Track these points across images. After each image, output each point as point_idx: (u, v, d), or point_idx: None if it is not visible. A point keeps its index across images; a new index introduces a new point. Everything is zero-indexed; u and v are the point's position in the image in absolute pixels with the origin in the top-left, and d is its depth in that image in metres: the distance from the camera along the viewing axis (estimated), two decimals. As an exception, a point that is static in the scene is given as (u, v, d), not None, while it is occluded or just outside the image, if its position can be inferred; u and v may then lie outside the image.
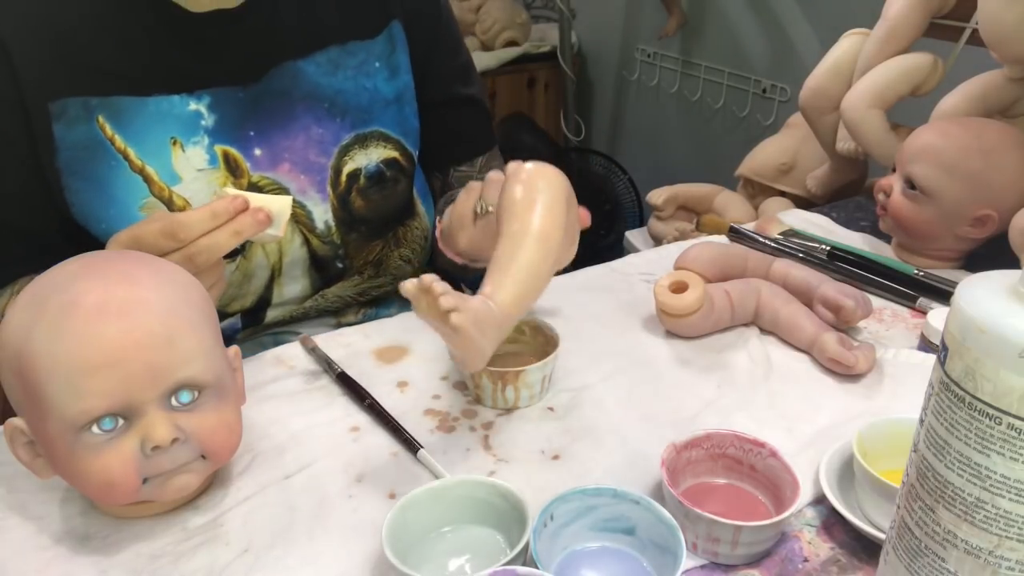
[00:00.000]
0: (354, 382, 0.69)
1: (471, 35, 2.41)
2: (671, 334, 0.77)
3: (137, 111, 0.69)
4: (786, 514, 0.51)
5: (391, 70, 0.79)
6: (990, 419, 0.35)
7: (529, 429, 0.65)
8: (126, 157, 0.69)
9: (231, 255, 0.72)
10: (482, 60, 2.32)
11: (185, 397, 0.51)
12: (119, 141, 0.69)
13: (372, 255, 0.83)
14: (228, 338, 0.79)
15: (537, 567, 0.47)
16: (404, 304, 0.85)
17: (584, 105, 2.56)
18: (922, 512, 0.40)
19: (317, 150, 0.76)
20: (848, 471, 0.57)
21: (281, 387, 0.70)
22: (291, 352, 0.74)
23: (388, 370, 0.72)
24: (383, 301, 0.89)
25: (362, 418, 0.66)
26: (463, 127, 0.89)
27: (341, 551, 0.53)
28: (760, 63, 1.91)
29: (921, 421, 0.40)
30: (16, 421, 0.52)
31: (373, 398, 0.67)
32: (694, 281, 0.74)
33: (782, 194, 1.44)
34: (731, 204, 1.55)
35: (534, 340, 0.71)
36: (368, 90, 0.78)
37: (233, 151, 0.73)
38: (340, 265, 0.81)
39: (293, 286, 0.80)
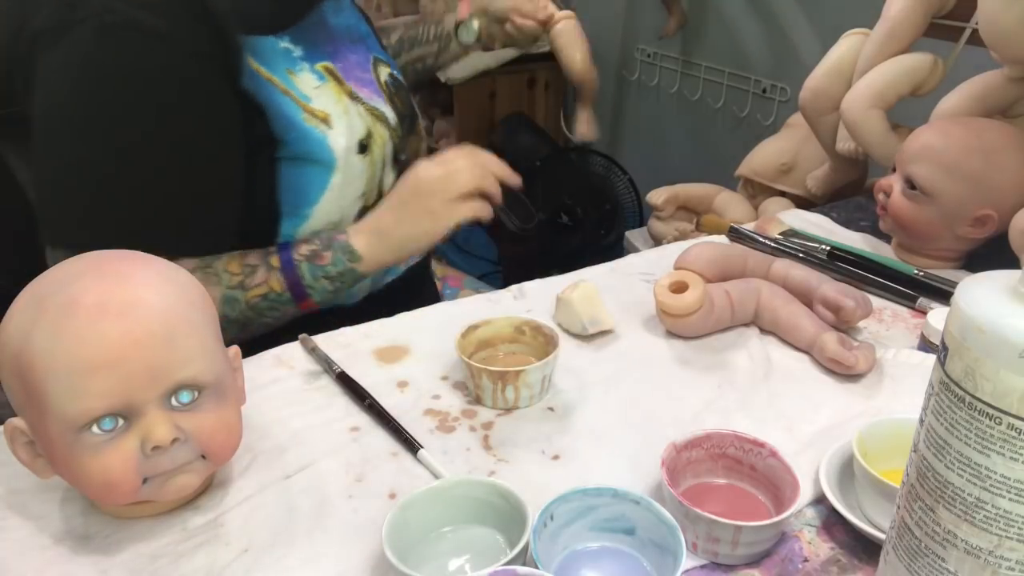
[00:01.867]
0: (354, 382, 0.69)
1: (471, 35, 2.40)
2: (671, 334, 0.77)
3: (261, 48, 0.77)
4: (786, 514, 0.51)
5: (356, 19, 0.95)
6: (990, 419, 0.35)
7: (529, 429, 0.65)
8: (273, 83, 0.77)
9: (363, 150, 0.83)
10: (482, 60, 2.31)
11: (185, 397, 0.51)
12: (264, 71, 0.77)
13: (411, 147, 0.95)
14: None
15: (537, 567, 0.47)
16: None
17: (584, 105, 2.56)
18: (922, 512, 0.40)
19: (360, 69, 0.88)
20: (848, 471, 0.57)
21: (281, 387, 0.70)
22: (291, 352, 0.75)
23: (388, 370, 0.72)
24: None
25: (362, 418, 0.66)
26: None
27: (341, 551, 0.53)
28: (760, 63, 1.91)
29: (921, 421, 0.40)
30: (16, 421, 0.52)
31: (373, 398, 0.67)
32: (694, 281, 0.74)
33: (782, 194, 1.44)
34: (731, 204, 1.55)
35: (534, 340, 0.71)
36: (356, 26, 0.93)
37: (331, 65, 0.83)
38: (403, 158, 0.91)
39: (389, 178, 0.89)
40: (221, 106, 0.73)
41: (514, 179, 0.84)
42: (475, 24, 1.04)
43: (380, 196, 0.86)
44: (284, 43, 0.80)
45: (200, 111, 0.72)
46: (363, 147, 0.82)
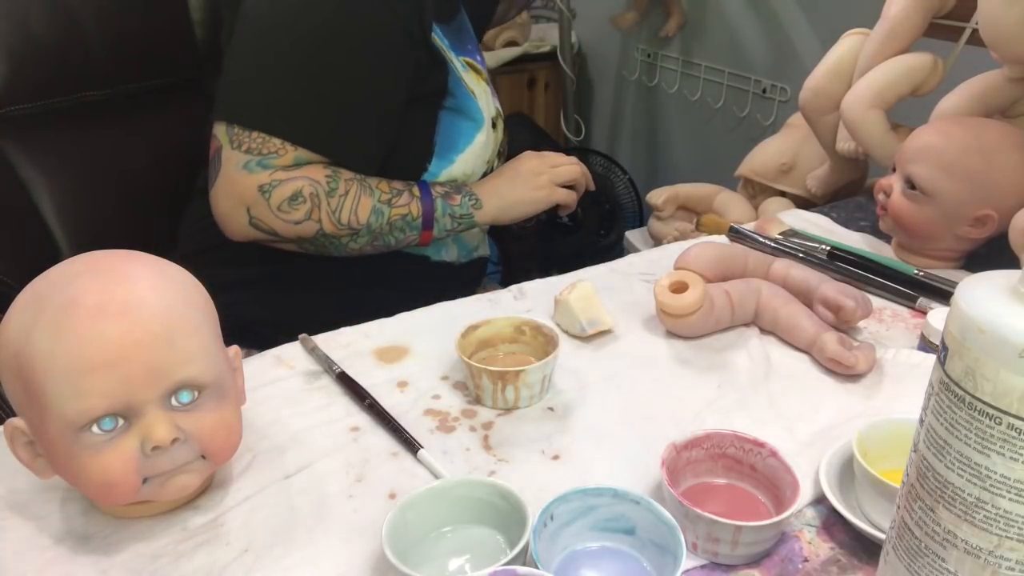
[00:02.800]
0: (354, 382, 0.69)
1: (471, 35, 2.40)
2: (671, 334, 0.77)
3: (436, 32, 0.92)
4: (786, 514, 0.51)
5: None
6: (990, 419, 0.35)
7: (529, 429, 0.65)
8: (442, 52, 0.92)
9: (494, 126, 1.00)
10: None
11: (185, 397, 0.51)
12: (445, 50, 0.93)
13: (502, 144, 1.08)
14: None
15: (537, 567, 0.47)
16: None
17: (584, 105, 2.56)
18: (922, 512, 0.40)
19: (472, 47, 1.03)
20: (848, 471, 0.57)
21: (281, 387, 0.70)
22: (291, 352, 0.75)
23: (388, 370, 0.72)
24: None
25: (362, 418, 0.66)
26: None
27: (341, 551, 0.53)
28: (760, 63, 1.90)
29: (921, 421, 0.40)
30: (16, 421, 0.52)
31: (373, 398, 0.67)
32: (694, 281, 0.74)
33: (782, 194, 1.44)
34: (731, 204, 1.55)
35: (534, 340, 0.71)
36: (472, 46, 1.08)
37: (470, 60, 1.00)
38: (501, 149, 1.07)
39: (496, 161, 1.05)
40: (404, 52, 0.86)
41: (591, 185, 1.04)
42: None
43: (493, 170, 1.02)
44: (435, 36, 0.92)
45: (386, 50, 0.85)
46: (494, 124, 0.99)
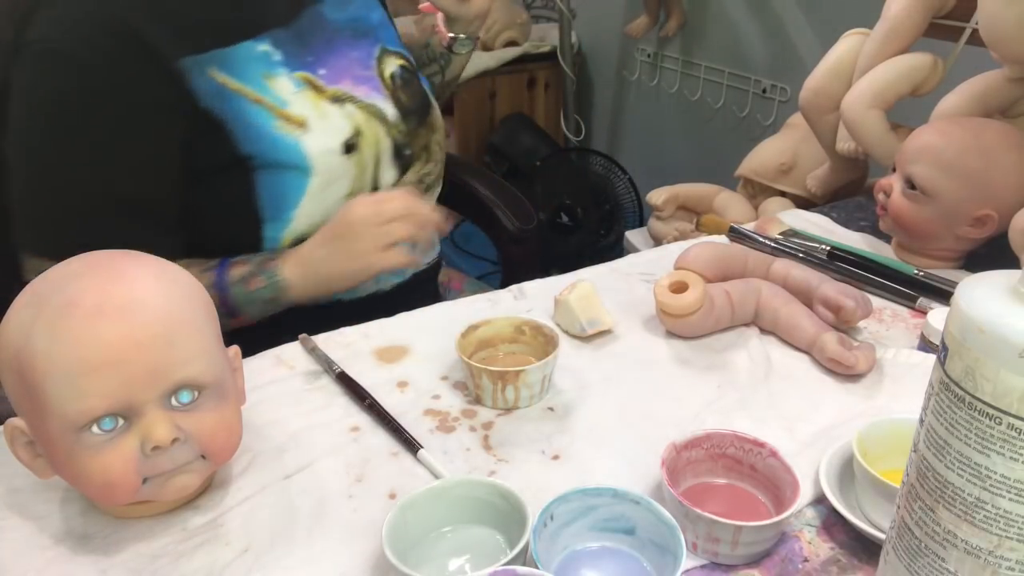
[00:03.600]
0: (354, 382, 0.69)
1: (471, 35, 2.40)
2: (671, 334, 0.77)
3: (230, 58, 0.78)
4: (786, 514, 0.51)
5: (367, 9, 0.95)
6: (990, 419, 0.35)
7: (529, 429, 0.65)
8: (243, 94, 0.78)
9: (350, 150, 0.83)
10: (482, 60, 2.32)
11: (185, 397, 0.51)
12: (233, 82, 0.78)
13: (422, 141, 0.95)
14: None
15: (537, 567, 0.47)
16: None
17: (584, 105, 2.56)
18: (922, 512, 0.40)
19: (360, 66, 0.89)
20: (848, 471, 0.57)
21: (281, 387, 0.70)
22: (291, 352, 0.75)
23: (388, 370, 0.72)
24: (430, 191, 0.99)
25: (362, 418, 0.66)
26: None
27: (341, 551, 0.53)
28: (760, 63, 1.91)
29: (921, 421, 0.40)
30: (16, 421, 0.52)
31: (373, 398, 0.67)
32: (694, 281, 0.74)
33: (782, 194, 1.44)
34: (731, 204, 1.55)
35: (534, 340, 0.71)
36: (365, 17, 0.94)
37: (307, 74, 0.84)
38: (408, 152, 0.92)
39: (387, 173, 0.89)
40: (162, 128, 0.75)
41: (446, 227, 0.84)
42: (465, 38, 1.04)
43: (375, 191, 0.88)
44: (263, 46, 0.80)
45: (138, 133, 0.74)
46: (349, 147, 0.83)
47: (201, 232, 0.80)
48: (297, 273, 0.78)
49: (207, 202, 0.79)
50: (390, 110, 0.89)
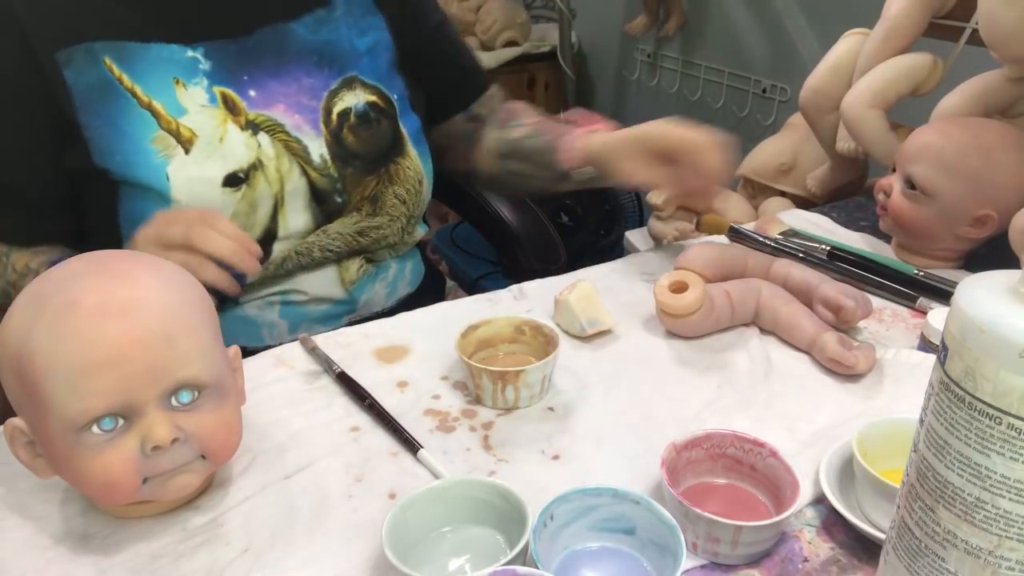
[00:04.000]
0: (354, 382, 0.69)
1: (471, 35, 2.40)
2: (671, 334, 0.77)
3: (140, 55, 0.74)
4: (786, 514, 0.51)
5: (360, 29, 0.87)
6: (990, 419, 0.35)
7: (529, 429, 0.65)
8: (134, 94, 0.74)
9: (235, 183, 0.77)
10: (482, 60, 2.31)
11: (185, 397, 0.51)
12: (127, 80, 0.74)
13: (368, 190, 0.86)
14: (242, 277, 0.75)
15: (537, 567, 0.47)
16: (400, 262, 0.94)
17: (584, 105, 2.56)
18: (922, 512, 0.40)
19: (308, 95, 0.83)
20: (848, 471, 0.57)
21: (281, 387, 0.70)
22: (291, 352, 0.74)
23: (388, 370, 0.72)
24: (380, 259, 0.92)
25: (362, 418, 0.66)
26: (452, 76, 0.99)
27: (341, 551, 0.53)
28: (760, 63, 1.91)
29: (921, 421, 0.40)
30: (16, 421, 0.52)
31: (373, 398, 0.67)
32: (694, 281, 0.74)
33: (782, 194, 1.44)
34: (731, 204, 1.54)
35: (534, 340, 0.71)
36: (347, 41, 0.86)
37: (230, 92, 0.78)
38: (339, 199, 0.84)
39: (297, 218, 0.82)
40: (25, 119, 0.73)
41: (251, 264, 0.68)
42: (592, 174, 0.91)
43: (275, 237, 0.81)
44: (192, 53, 0.77)
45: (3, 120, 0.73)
46: (235, 179, 0.76)
47: (84, 229, 0.79)
48: None
49: (84, 202, 0.78)
50: (317, 149, 0.82)
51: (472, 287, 1.75)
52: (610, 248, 2.10)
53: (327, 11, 0.84)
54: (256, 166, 0.78)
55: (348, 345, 0.76)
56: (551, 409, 0.67)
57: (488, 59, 2.34)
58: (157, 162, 0.74)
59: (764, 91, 1.90)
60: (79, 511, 0.56)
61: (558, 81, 2.47)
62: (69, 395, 0.47)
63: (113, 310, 0.48)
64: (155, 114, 0.74)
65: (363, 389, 0.68)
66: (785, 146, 1.45)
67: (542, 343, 0.71)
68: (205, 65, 0.77)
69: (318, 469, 0.60)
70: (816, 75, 1.16)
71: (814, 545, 0.54)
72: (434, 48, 0.95)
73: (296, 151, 0.81)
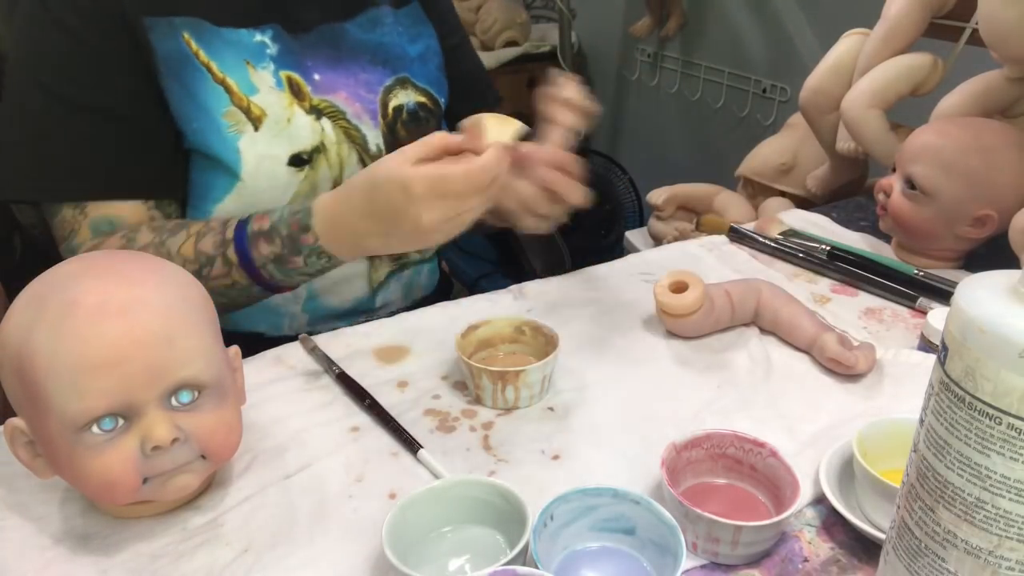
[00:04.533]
0: (354, 382, 0.69)
1: (471, 35, 2.40)
2: (671, 334, 0.77)
3: (214, 35, 0.76)
4: (786, 514, 0.51)
5: (411, 36, 0.91)
6: (990, 419, 0.35)
7: (529, 429, 0.65)
8: (209, 69, 0.75)
9: (299, 164, 0.79)
10: (482, 60, 2.31)
11: (185, 397, 0.51)
12: (203, 55, 0.75)
13: None
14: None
15: (537, 567, 0.47)
16: (421, 265, 0.95)
17: (584, 105, 2.56)
18: (922, 512, 0.40)
19: (365, 88, 0.86)
20: (848, 471, 0.57)
21: (281, 387, 0.70)
22: (291, 352, 0.75)
23: (388, 370, 0.72)
24: (407, 260, 0.93)
25: (362, 418, 0.66)
26: (465, 92, 0.98)
27: (341, 551, 0.53)
28: (760, 63, 1.91)
29: (921, 421, 0.40)
30: (16, 421, 0.52)
31: (373, 398, 0.67)
32: (694, 281, 0.74)
33: (782, 194, 1.44)
34: (731, 204, 1.54)
35: (534, 340, 0.71)
36: (399, 46, 0.90)
37: (296, 76, 0.81)
38: None
39: None
40: (128, 93, 0.74)
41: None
42: None
43: None
44: (260, 37, 0.79)
45: (105, 98, 0.73)
46: (300, 160, 0.78)
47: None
48: (340, 248, 0.68)
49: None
50: (375, 139, 0.84)
51: (472, 287, 1.75)
52: (610, 248, 2.10)
53: (377, 11, 0.88)
54: (319, 149, 0.80)
55: (348, 345, 0.76)
56: (551, 409, 0.67)
57: (488, 59, 2.34)
58: (229, 136, 0.75)
59: (764, 91, 1.90)
60: (79, 511, 0.56)
61: (558, 81, 2.46)
62: (69, 395, 0.47)
63: (113, 310, 0.48)
64: (228, 90, 0.76)
65: (363, 389, 0.68)
66: (785, 146, 1.45)
67: (542, 343, 0.71)
68: (272, 49, 0.79)
69: (318, 469, 0.60)
70: (816, 75, 1.16)
71: (814, 545, 0.54)
72: (460, 56, 1.00)
73: (355, 139, 0.83)
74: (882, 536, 0.48)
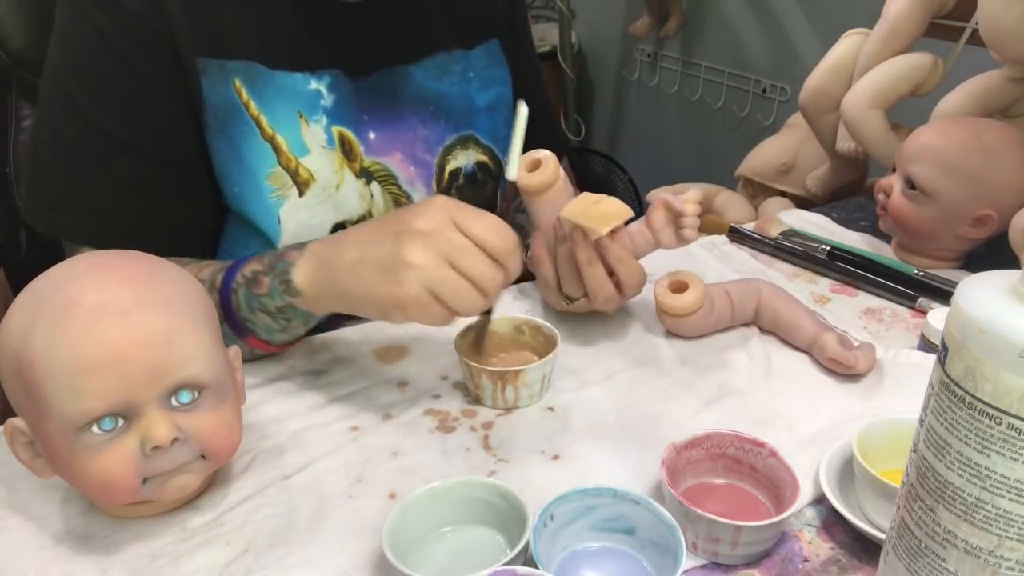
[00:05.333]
0: None
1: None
2: (671, 334, 0.77)
3: (268, 80, 0.71)
4: (786, 514, 0.51)
5: (483, 82, 0.84)
6: (990, 419, 0.35)
7: (529, 429, 0.65)
8: (258, 124, 0.71)
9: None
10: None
11: (185, 397, 0.51)
12: (253, 107, 0.70)
13: None
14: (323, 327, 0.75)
15: (537, 567, 0.47)
16: None
17: (584, 105, 2.56)
18: (922, 512, 0.40)
19: (423, 147, 0.80)
20: (848, 471, 0.57)
21: (281, 387, 0.69)
22: (291, 352, 0.74)
23: (388, 370, 0.72)
24: None
25: (362, 418, 0.66)
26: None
27: (341, 551, 0.53)
28: (760, 63, 1.91)
29: (921, 421, 0.40)
30: (16, 421, 0.52)
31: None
32: (694, 281, 0.74)
33: (782, 194, 1.44)
34: (731, 204, 1.54)
35: (534, 340, 0.71)
36: (467, 96, 0.82)
37: (349, 133, 0.75)
38: None
39: None
40: (175, 138, 0.70)
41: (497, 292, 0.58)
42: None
43: None
44: (316, 84, 0.73)
45: (149, 140, 0.69)
46: (344, 229, 0.71)
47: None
48: (312, 279, 0.60)
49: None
50: None
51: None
52: (610, 248, 2.09)
53: (447, 55, 0.80)
54: (366, 218, 0.75)
55: (348, 345, 0.76)
56: (551, 409, 0.67)
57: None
58: (271, 201, 0.70)
59: (764, 91, 1.90)
60: (79, 511, 0.56)
61: (558, 81, 2.47)
62: (69, 395, 0.47)
63: (112, 310, 0.48)
64: (276, 148, 0.71)
65: None
66: (785, 146, 1.45)
67: (542, 343, 0.71)
68: (327, 100, 0.73)
69: (318, 469, 0.60)
70: (816, 75, 1.16)
71: (814, 545, 0.54)
72: (530, 98, 0.88)
73: (404, 204, 0.78)
74: (882, 536, 0.48)
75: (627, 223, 0.69)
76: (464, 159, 0.82)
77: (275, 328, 0.64)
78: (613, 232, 0.67)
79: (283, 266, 0.61)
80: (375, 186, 0.76)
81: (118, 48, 0.66)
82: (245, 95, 0.70)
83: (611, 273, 0.69)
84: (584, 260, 0.67)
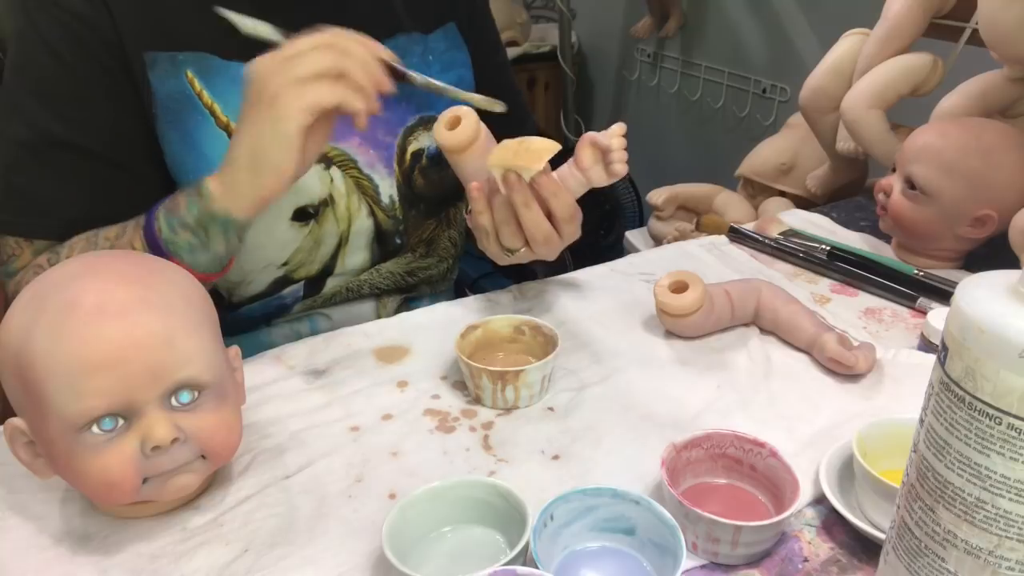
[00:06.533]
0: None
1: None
2: (671, 334, 0.77)
3: (221, 71, 0.71)
4: (786, 514, 0.51)
5: (443, 64, 0.84)
6: (990, 419, 0.35)
7: (529, 429, 0.65)
8: (212, 113, 0.71)
9: (303, 218, 0.75)
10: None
11: (185, 397, 0.51)
12: (206, 96, 0.71)
13: (426, 233, 0.86)
14: (287, 307, 0.82)
15: (537, 567, 0.47)
16: (433, 298, 0.92)
17: (584, 105, 2.56)
18: (922, 512, 0.40)
19: (384, 129, 0.80)
20: (848, 471, 0.57)
21: (281, 387, 0.70)
22: (291, 352, 0.74)
23: (388, 370, 0.72)
24: (419, 295, 0.91)
25: (362, 418, 0.66)
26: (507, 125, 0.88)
27: (341, 551, 0.53)
28: (760, 63, 1.91)
29: (921, 421, 0.40)
30: (16, 421, 0.52)
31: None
32: (694, 281, 0.74)
33: (782, 194, 1.44)
34: (731, 204, 1.55)
35: (534, 340, 0.71)
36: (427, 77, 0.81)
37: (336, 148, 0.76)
38: (399, 241, 0.84)
39: (356, 256, 0.82)
40: (114, 134, 0.70)
41: (385, 83, 0.61)
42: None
43: (330, 273, 0.81)
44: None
45: (86, 136, 0.69)
46: (305, 214, 0.74)
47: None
48: (219, 174, 0.62)
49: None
50: (387, 189, 0.80)
51: (472, 287, 1.75)
52: (610, 248, 2.10)
53: (406, 38, 0.80)
54: (327, 202, 0.76)
55: (348, 345, 0.76)
56: (551, 409, 0.67)
57: (488, 59, 2.34)
58: None
59: (764, 91, 1.90)
60: (79, 511, 0.56)
61: (558, 81, 2.47)
62: (69, 395, 0.47)
63: (113, 310, 0.48)
64: (232, 136, 0.70)
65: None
66: (785, 146, 1.46)
67: (542, 343, 0.71)
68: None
69: (318, 469, 0.60)
70: (816, 75, 1.16)
71: (814, 545, 0.54)
72: (494, 84, 0.87)
73: (367, 190, 0.79)
74: (882, 536, 0.48)
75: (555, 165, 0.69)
76: (426, 140, 0.82)
77: (196, 245, 0.63)
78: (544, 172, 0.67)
79: (196, 185, 0.63)
80: (335, 170, 0.77)
81: (56, 46, 0.67)
82: (198, 85, 0.71)
83: (549, 216, 0.69)
84: (520, 202, 0.67)
